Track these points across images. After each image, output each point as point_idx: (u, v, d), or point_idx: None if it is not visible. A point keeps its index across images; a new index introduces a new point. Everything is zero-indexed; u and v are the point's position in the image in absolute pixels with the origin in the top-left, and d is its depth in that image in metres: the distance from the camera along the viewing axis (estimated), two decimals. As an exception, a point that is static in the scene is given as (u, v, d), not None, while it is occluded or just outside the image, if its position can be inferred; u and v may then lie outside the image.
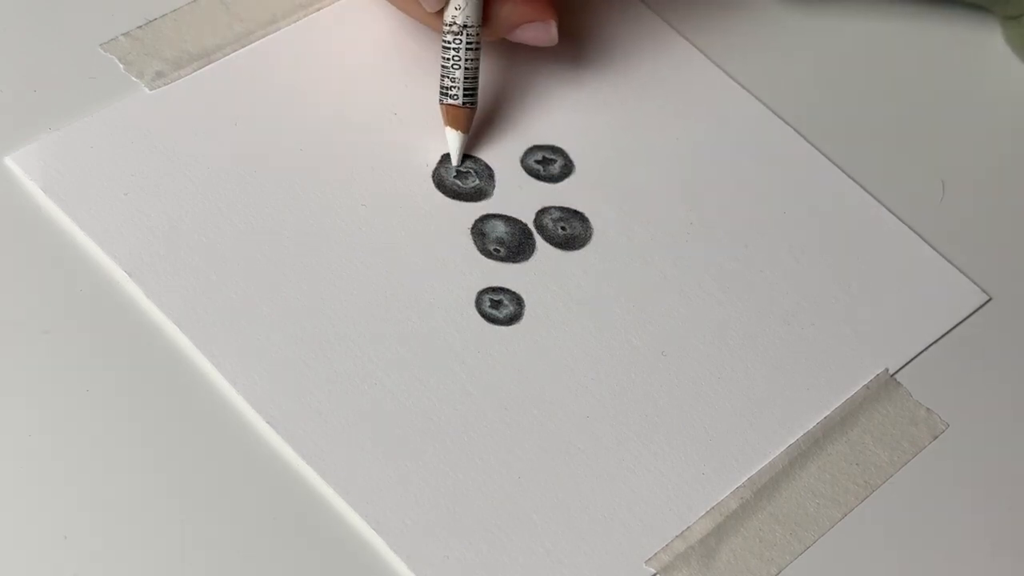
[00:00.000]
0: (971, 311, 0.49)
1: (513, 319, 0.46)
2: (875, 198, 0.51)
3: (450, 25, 0.48)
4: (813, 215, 0.50)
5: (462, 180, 0.49)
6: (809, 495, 0.44)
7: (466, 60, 0.48)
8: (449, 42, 0.48)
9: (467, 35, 0.48)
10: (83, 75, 0.49)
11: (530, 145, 0.50)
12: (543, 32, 0.49)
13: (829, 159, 0.51)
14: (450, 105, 0.48)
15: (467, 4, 0.47)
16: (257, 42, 0.51)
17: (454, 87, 0.48)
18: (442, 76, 0.48)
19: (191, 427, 0.42)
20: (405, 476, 0.42)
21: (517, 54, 0.51)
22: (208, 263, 0.45)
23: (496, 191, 0.49)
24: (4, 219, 0.45)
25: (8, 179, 0.46)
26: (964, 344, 0.48)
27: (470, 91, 0.48)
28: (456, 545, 0.41)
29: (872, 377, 0.46)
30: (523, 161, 0.50)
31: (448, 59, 0.48)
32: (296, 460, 0.42)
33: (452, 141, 0.48)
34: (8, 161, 0.46)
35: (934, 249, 0.50)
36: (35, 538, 0.40)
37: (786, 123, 0.52)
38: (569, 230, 0.48)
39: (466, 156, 0.49)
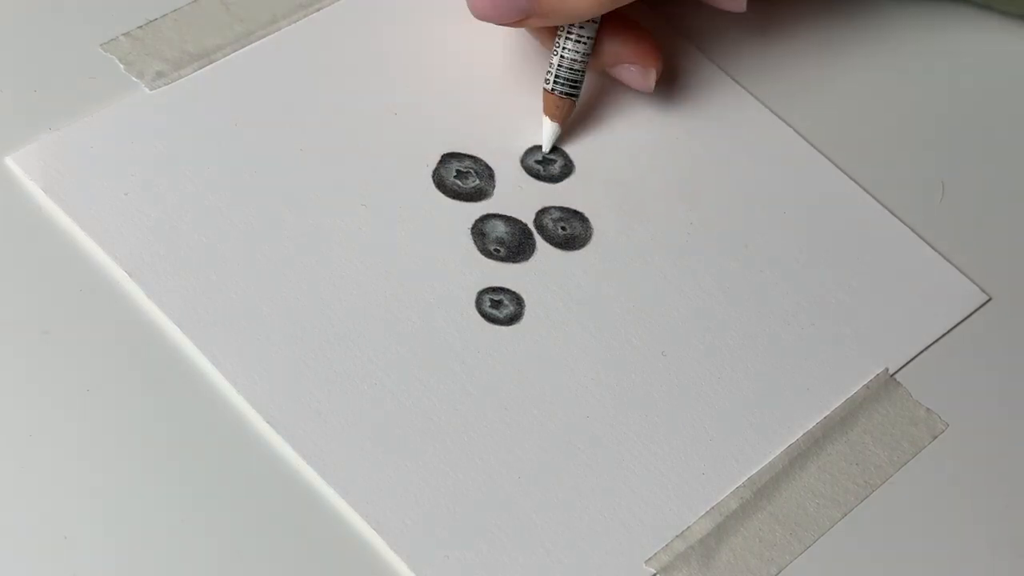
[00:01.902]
0: (971, 311, 0.49)
1: (513, 319, 0.46)
2: (875, 198, 0.51)
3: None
4: (813, 215, 0.50)
5: (462, 180, 0.49)
6: (809, 495, 0.44)
7: (583, 55, 0.49)
8: (573, 34, 0.49)
9: (590, 30, 0.48)
10: (83, 75, 0.49)
11: (530, 145, 0.50)
12: (640, 77, 0.50)
13: (829, 159, 0.51)
14: (554, 94, 0.49)
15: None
16: (257, 42, 0.51)
17: (570, 79, 0.49)
18: (551, 64, 0.49)
19: (191, 427, 0.42)
20: (405, 476, 0.42)
21: (515, 54, 0.51)
22: (208, 263, 0.45)
23: (496, 191, 0.49)
24: (4, 219, 0.45)
25: (8, 179, 0.46)
26: (964, 344, 0.48)
27: (576, 85, 0.49)
28: (456, 545, 0.41)
29: (872, 377, 0.46)
30: (523, 161, 0.50)
31: (567, 49, 0.49)
32: (296, 460, 0.42)
33: (547, 130, 0.49)
34: (8, 161, 0.46)
35: (934, 249, 0.50)
36: (35, 538, 0.40)
37: (786, 123, 0.52)
38: (569, 230, 0.48)
39: (466, 156, 0.49)
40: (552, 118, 0.49)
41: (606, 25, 0.49)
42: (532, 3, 0.47)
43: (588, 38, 0.48)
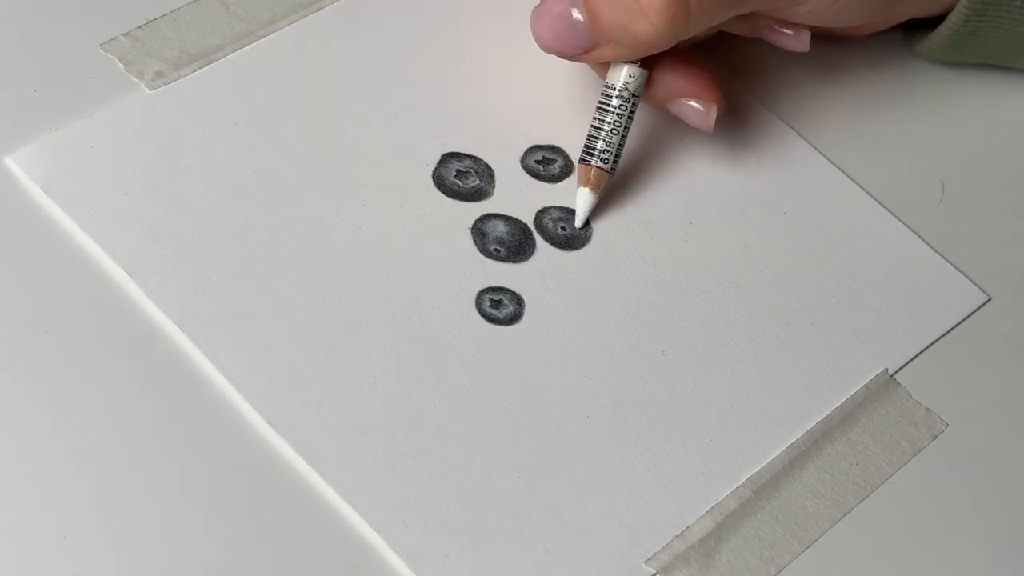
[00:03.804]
0: (971, 311, 0.49)
1: (513, 319, 0.46)
2: (875, 198, 0.51)
3: (620, 91, 0.47)
4: (813, 215, 0.50)
5: (462, 180, 0.49)
6: (809, 495, 0.44)
7: (624, 128, 0.47)
8: (614, 107, 0.47)
9: (633, 104, 0.47)
10: (83, 75, 0.49)
11: (530, 145, 0.50)
12: (700, 115, 0.48)
13: (829, 159, 0.51)
14: (598, 168, 0.48)
15: (640, 73, 0.47)
16: (257, 42, 0.51)
17: (608, 152, 0.47)
18: (593, 137, 0.47)
19: (191, 427, 0.42)
20: (405, 476, 0.42)
21: (514, 51, 0.51)
22: (208, 263, 0.45)
23: (496, 191, 0.49)
24: (4, 219, 0.45)
25: (8, 179, 0.46)
26: (964, 344, 0.48)
27: (618, 158, 0.48)
28: (456, 545, 0.41)
29: (872, 377, 0.46)
30: (523, 161, 0.50)
31: (607, 122, 0.47)
32: (296, 460, 0.42)
33: (584, 202, 0.48)
34: (8, 161, 0.46)
35: (934, 249, 0.50)
36: (35, 538, 0.40)
37: (786, 123, 0.52)
38: (569, 230, 0.48)
39: (466, 156, 0.49)
40: (594, 190, 0.48)
41: (661, 58, 0.47)
42: (596, 33, 0.46)
43: (630, 113, 0.47)
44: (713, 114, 0.48)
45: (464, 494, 0.42)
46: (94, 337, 0.43)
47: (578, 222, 0.48)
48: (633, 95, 0.47)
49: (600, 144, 0.48)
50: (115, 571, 0.40)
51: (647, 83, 0.48)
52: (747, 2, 0.47)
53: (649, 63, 0.48)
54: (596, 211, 0.49)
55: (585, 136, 0.48)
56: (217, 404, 0.43)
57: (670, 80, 0.48)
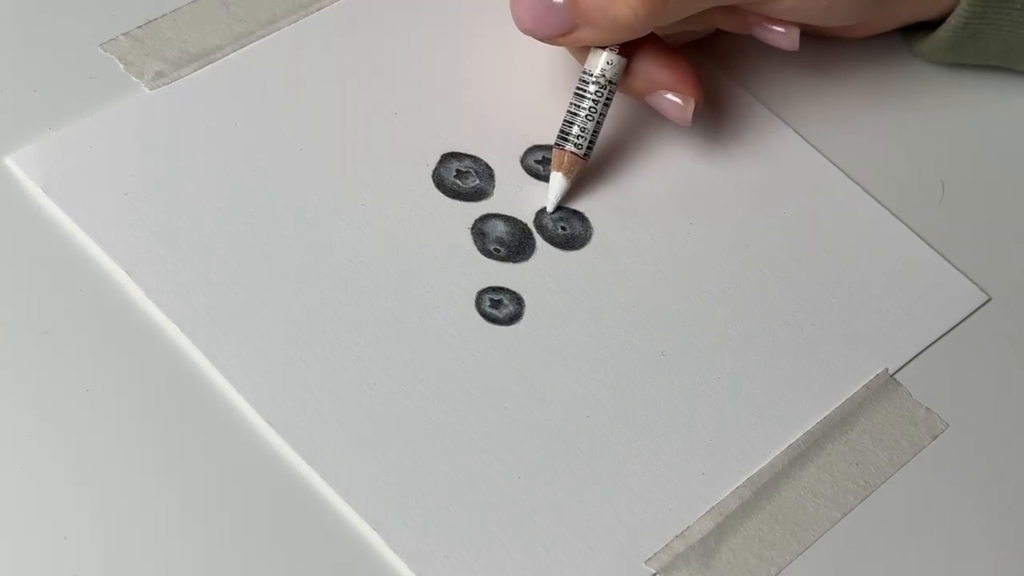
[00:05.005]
0: (971, 311, 0.49)
1: (513, 319, 0.46)
2: (875, 198, 0.51)
3: (597, 77, 0.47)
4: (813, 215, 0.50)
5: (462, 180, 0.49)
6: (809, 495, 0.44)
7: (600, 115, 0.47)
8: (591, 93, 0.47)
9: (610, 91, 0.47)
10: (83, 75, 0.49)
11: (530, 145, 0.50)
12: (678, 109, 0.48)
13: (829, 159, 0.51)
14: (572, 153, 0.48)
15: (618, 61, 0.47)
16: (257, 42, 0.51)
17: (582, 137, 0.47)
18: (568, 122, 0.48)
19: (191, 427, 0.42)
20: (405, 476, 0.42)
21: (514, 51, 0.51)
22: (208, 263, 0.45)
23: (496, 191, 0.49)
24: (4, 219, 0.45)
25: (8, 179, 0.46)
26: (964, 344, 0.48)
27: (592, 144, 0.48)
28: (456, 545, 0.41)
29: (872, 377, 0.46)
30: (523, 161, 0.50)
31: (583, 108, 0.47)
32: (296, 460, 0.42)
33: (557, 186, 0.48)
34: (8, 161, 0.46)
35: (934, 249, 0.50)
36: (35, 538, 0.40)
37: (785, 123, 0.52)
38: (569, 230, 0.48)
39: (466, 156, 0.49)
40: (567, 174, 0.48)
41: (641, 47, 0.48)
42: (576, 14, 0.45)
43: (606, 100, 0.47)
44: (691, 108, 0.48)
45: (464, 494, 0.42)
46: (94, 337, 0.43)
47: (549, 207, 0.48)
48: (610, 82, 0.47)
49: (575, 130, 0.48)
50: (115, 571, 0.40)
51: (626, 74, 0.48)
52: None
53: (629, 53, 0.47)
54: (595, 208, 0.49)
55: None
56: (217, 404, 0.43)
57: (649, 71, 0.48)
